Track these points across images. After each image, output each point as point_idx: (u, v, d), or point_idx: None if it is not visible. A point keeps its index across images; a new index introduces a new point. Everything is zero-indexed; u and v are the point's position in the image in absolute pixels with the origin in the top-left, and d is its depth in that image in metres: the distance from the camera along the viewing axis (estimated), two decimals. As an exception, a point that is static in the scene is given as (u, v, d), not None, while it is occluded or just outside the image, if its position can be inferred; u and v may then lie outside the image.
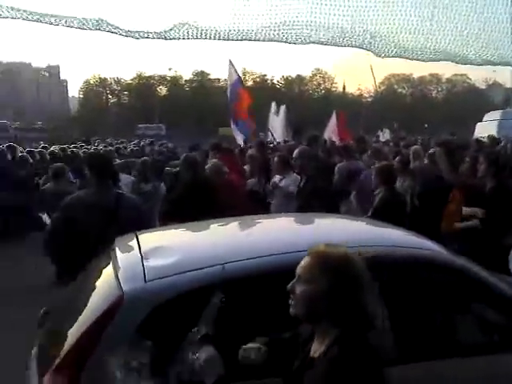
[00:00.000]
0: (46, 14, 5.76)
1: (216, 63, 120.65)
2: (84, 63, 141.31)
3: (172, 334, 1.88)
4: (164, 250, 2.33)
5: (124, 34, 6.20)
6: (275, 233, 2.81)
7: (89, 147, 14.68)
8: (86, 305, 2.20)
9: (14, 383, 2.44)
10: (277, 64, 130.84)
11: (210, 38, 6.29)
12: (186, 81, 76.82)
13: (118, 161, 8.28)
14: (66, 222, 3.54)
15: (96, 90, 75.09)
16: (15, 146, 10.42)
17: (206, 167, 5.78)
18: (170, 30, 6.12)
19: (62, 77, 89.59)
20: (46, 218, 7.25)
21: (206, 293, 1.91)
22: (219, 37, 6.24)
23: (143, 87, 73.17)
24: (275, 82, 78.86)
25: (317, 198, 5.18)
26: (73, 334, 2.05)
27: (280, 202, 5.66)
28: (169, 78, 75.42)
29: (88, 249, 3.09)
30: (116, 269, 2.19)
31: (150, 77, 75.03)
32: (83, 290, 2.37)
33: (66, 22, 5.85)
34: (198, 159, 5.62)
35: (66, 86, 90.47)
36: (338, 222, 3.31)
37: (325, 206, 4.94)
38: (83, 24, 5.89)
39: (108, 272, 2.26)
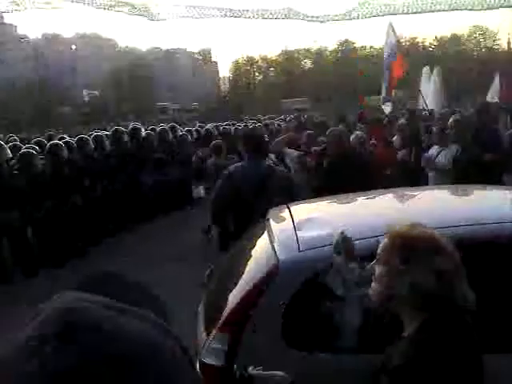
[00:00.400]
0: (243, 9, 6.17)
1: (361, 30, 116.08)
2: (233, 44, 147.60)
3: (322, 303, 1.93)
4: (315, 221, 2.39)
5: (310, 19, 6.40)
6: (427, 205, 2.70)
7: (240, 124, 15.42)
8: (244, 271, 2.37)
9: (186, 333, 2.73)
10: (428, 24, 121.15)
11: (391, 13, 6.10)
12: (330, 52, 75.68)
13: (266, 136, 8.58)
14: (228, 190, 3.90)
15: (244, 69, 78.04)
16: (176, 126, 11.43)
17: (351, 138, 5.70)
18: (353, 10, 6.13)
19: (214, 59, 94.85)
20: (200, 191, 7.94)
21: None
22: (400, 11, 6.02)
23: (288, 62, 73.99)
24: (427, 43, 73.48)
25: (473, 168, 4.82)
26: (232, 297, 2.23)
27: (439, 175, 5.37)
28: (313, 51, 75.03)
29: (244, 216, 3.40)
30: (271, 238, 2.32)
31: (295, 51, 75.48)
32: (241, 256, 2.56)
33: (261, 14, 6.22)
34: (344, 132, 5.56)
35: (217, 68, 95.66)
36: (500, 194, 3.02)
37: (483, 176, 4.55)
38: (274, 15, 6.20)
39: (263, 241, 2.40)
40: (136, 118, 48.02)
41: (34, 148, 7.20)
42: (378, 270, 1.53)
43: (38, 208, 6.41)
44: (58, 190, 6.70)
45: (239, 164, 4.24)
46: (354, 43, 73.19)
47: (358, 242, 1.86)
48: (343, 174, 4.45)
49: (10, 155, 6.50)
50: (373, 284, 1.54)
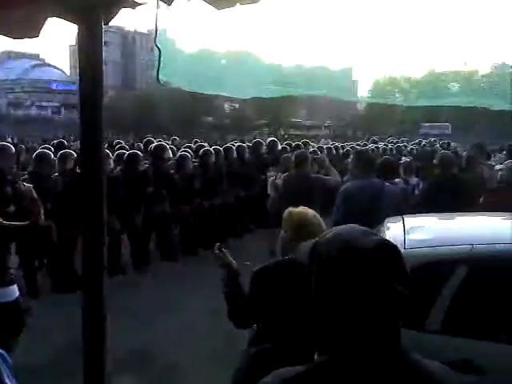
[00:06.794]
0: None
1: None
2: (375, 64, 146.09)
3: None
4: (423, 229, 2.84)
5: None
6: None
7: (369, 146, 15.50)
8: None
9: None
10: None
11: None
12: (482, 76, 70.92)
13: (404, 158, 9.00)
14: (344, 203, 4.45)
15: (384, 89, 76.56)
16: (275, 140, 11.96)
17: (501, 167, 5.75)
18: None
19: (354, 78, 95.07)
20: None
21: (451, 265, 2.35)
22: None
23: (433, 84, 71.00)
24: None
25: None
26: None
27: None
28: (463, 74, 70.94)
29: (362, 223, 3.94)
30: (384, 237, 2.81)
31: (441, 73, 72.12)
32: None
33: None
34: (451, 158, 5.68)
35: (357, 87, 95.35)
36: None
37: None
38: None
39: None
40: (269, 131, 50.28)
41: (188, 152, 8.33)
42: None
43: (188, 204, 7.51)
44: (203, 191, 7.74)
45: (355, 181, 4.76)
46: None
47: (452, 246, 2.30)
48: (441, 195, 4.73)
49: (171, 155, 7.69)
50: None
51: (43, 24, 1.73)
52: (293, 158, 5.91)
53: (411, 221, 3.12)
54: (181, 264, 7.14)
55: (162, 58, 1.88)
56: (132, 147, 11.16)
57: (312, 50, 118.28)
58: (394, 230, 2.94)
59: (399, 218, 3.22)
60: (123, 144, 11.04)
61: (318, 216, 2.35)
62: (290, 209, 2.38)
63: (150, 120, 49.06)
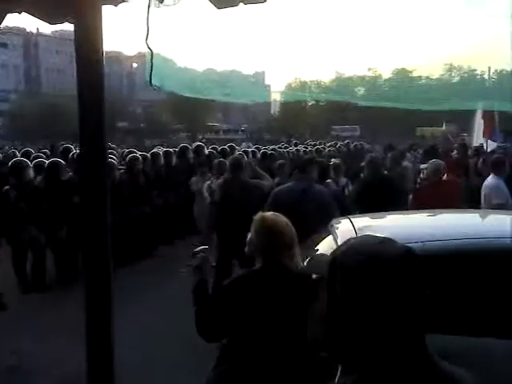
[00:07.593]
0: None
1: (419, 59, 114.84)
2: (286, 69, 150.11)
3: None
4: (372, 227, 2.94)
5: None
6: (467, 222, 3.26)
7: (290, 148, 15.89)
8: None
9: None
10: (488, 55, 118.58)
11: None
12: (385, 80, 75.15)
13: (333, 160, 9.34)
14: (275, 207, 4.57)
15: (296, 94, 78.58)
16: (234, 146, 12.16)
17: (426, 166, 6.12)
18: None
19: (267, 82, 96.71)
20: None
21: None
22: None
23: (341, 88, 74.03)
24: (486, 77, 71.58)
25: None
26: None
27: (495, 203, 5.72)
28: (368, 79, 74.76)
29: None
30: (335, 238, 2.86)
31: (348, 78, 75.53)
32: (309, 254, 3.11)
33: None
34: (379, 160, 6.04)
35: (269, 91, 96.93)
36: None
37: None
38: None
39: (328, 240, 2.96)
40: (187, 136, 49.80)
41: (112, 158, 8.01)
42: None
43: (117, 212, 7.19)
44: (131, 199, 7.48)
45: (290, 183, 4.91)
46: (410, 72, 71.72)
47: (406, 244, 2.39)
48: (370, 197, 5.01)
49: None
50: None
51: (2, 20, 1.57)
52: (228, 164, 5.89)
53: (359, 221, 3.23)
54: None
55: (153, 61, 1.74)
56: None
57: (223, 54, 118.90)
58: (344, 231, 3.01)
59: (346, 218, 3.31)
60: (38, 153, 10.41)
61: (289, 223, 2.35)
62: (263, 213, 2.36)
63: (60, 126, 46.55)
